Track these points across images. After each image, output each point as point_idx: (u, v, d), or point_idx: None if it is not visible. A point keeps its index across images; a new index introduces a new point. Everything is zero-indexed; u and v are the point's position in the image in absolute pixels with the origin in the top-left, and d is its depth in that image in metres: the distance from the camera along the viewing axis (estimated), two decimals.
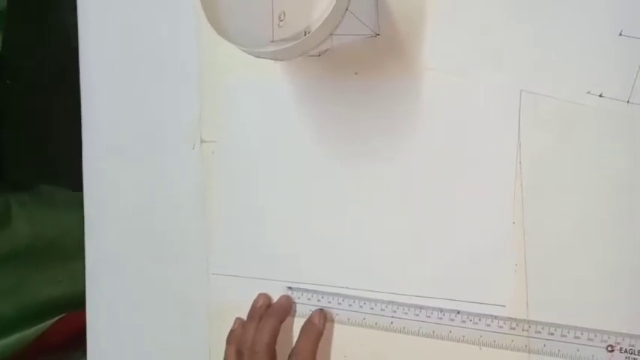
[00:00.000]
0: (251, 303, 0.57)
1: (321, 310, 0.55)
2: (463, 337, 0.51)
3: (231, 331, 0.57)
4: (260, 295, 0.57)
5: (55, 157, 0.68)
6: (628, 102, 0.45)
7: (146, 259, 0.61)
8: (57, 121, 0.65)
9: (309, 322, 0.54)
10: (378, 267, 0.53)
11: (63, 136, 0.61)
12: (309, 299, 0.56)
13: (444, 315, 0.51)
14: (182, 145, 0.59)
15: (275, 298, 0.56)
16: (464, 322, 0.50)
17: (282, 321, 0.55)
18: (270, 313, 0.55)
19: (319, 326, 0.54)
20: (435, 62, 0.49)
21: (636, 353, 0.46)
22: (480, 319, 0.50)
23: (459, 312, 0.51)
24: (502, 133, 0.48)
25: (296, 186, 0.55)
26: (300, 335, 0.54)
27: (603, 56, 0.45)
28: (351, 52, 0.51)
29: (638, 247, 0.45)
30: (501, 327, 0.50)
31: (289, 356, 0.53)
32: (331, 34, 0.47)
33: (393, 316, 0.52)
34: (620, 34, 0.44)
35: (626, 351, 0.46)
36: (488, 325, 0.50)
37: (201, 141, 0.58)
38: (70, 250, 0.65)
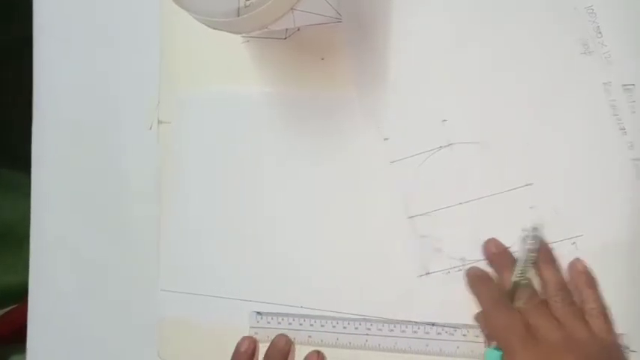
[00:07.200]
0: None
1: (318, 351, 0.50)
2: (440, 350, 0.50)
3: None
4: (244, 338, 0.50)
5: (16, 142, 0.66)
6: None
7: (95, 245, 0.58)
8: (19, 104, 0.62)
9: None
10: (334, 287, 0.52)
11: (28, 119, 0.59)
12: (279, 323, 0.53)
13: (419, 328, 0.50)
14: (139, 126, 0.56)
15: (230, 317, 0.53)
16: (439, 334, 0.49)
17: None
18: (270, 357, 0.49)
19: None
20: (400, 50, 0.50)
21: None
22: (455, 330, 0.50)
23: (433, 324, 0.50)
24: None
25: (258, 180, 0.53)
26: None
27: None
28: (319, 36, 0.50)
29: None
30: (478, 336, 0.49)
31: None
32: (292, 9, 0.46)
33: (367, 334, 0.51)
34: None
35: None
36: (465, 335, 0.50)
37: (159, 122, 0.55)
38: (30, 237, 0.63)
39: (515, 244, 0.48)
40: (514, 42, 0.48)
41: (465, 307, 0.48)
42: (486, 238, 0.48)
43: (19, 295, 0.69)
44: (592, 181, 0.48)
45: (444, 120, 0.49)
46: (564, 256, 0.47)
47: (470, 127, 0.49)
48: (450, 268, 0.50)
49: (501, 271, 0.47)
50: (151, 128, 0.56)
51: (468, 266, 0.49)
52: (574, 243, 0.48)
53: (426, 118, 0.50)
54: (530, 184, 0.48)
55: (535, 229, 0.46)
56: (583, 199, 0.48)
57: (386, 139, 0.50)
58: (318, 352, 0.49)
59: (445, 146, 0.49)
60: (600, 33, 0.47)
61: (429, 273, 0.50)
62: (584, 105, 0.48)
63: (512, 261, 0.46)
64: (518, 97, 0.48)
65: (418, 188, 0.50)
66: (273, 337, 0.51)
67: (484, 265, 0.48)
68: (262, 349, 0.51)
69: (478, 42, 0.49)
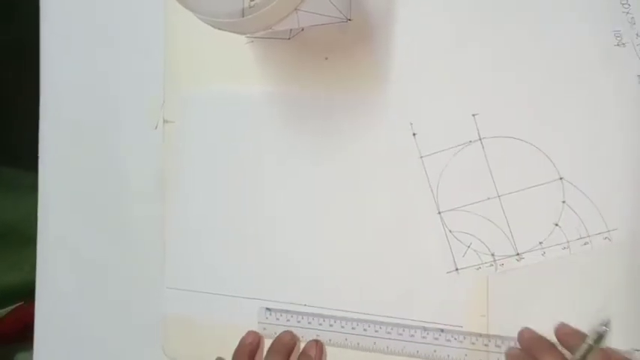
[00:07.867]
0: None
1: (317, 340, 0.51)
2: (448, 356, 0.49)
3: None
4: (250, 332, 0.52)
5: (17, 142, 0.66)
6: None
7: (98, 245, 0.58)
8: (20, 104, 0.62)
9: (304, 355, 0.50)
10: (334, 286, 0.52)
11: (29, 118, 0.58)
12: (287, 320, 0.52)
13: (427, 334, 0.50)
14: (141, 125, 0.56)
15: (232, 314, 0.53)
16: (448, 340, 0.49)
17: None
18: (274, 350, 0.50)
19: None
20: (402, 51, 0.49)
21: None
22: (464, 338, 0.49)
23: (442, 330, 0.49)
24: None
25: (261, 179, 0.53)
26: None
27: None
28: (323, 37, 0.50)
29: None
30: (486, 345, 0.49)
31: None
32: (296, 9, 0.46)
33: (375, 336, 0.50)
34: None
35: None
36: (473, 344, 0.49)
37: (164, 121, 0.55)
38: (33, 236, 0.63)
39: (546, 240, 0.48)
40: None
41: (485, 309, 0.49)
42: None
43: (23, 294, 0.70)
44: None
45: (475, 114, 0.48)
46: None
47: (500, 121, 0.48)
48: (481, 264, 0.49)
49: (541, 355, 0.45)
50: (156, 127, 0.56)
51: (499, 262, 0.49)
52: (587, 243, 0.47)
53: (454, 114, 0.49)
54: (561, 179, 0.47)
55: (606, 323, 0.44)
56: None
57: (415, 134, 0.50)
58: (317, 342, 0.51)
59: (474, 141, 0.48)
60: (635, 24, 0.45)
61: (458, 269, 0.50)
62: (618, 97, 0.46)
63: (551, 345, 0.45)
64: (530, 93, 0.47)
65: (447, 183, 0.49)
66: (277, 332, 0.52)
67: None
68: (268, 345, 0.52)
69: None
